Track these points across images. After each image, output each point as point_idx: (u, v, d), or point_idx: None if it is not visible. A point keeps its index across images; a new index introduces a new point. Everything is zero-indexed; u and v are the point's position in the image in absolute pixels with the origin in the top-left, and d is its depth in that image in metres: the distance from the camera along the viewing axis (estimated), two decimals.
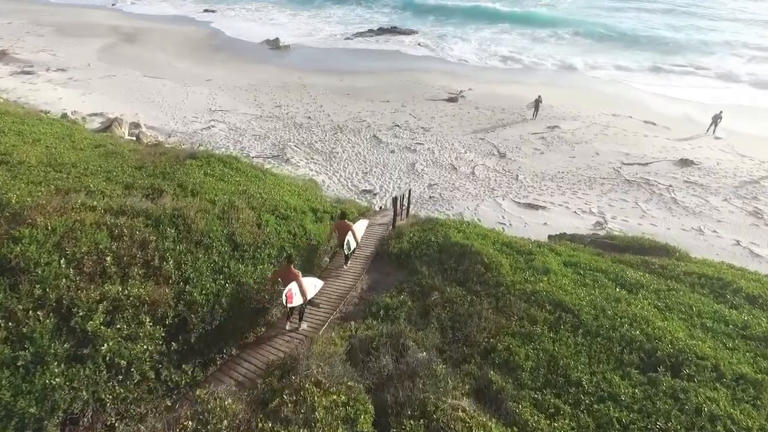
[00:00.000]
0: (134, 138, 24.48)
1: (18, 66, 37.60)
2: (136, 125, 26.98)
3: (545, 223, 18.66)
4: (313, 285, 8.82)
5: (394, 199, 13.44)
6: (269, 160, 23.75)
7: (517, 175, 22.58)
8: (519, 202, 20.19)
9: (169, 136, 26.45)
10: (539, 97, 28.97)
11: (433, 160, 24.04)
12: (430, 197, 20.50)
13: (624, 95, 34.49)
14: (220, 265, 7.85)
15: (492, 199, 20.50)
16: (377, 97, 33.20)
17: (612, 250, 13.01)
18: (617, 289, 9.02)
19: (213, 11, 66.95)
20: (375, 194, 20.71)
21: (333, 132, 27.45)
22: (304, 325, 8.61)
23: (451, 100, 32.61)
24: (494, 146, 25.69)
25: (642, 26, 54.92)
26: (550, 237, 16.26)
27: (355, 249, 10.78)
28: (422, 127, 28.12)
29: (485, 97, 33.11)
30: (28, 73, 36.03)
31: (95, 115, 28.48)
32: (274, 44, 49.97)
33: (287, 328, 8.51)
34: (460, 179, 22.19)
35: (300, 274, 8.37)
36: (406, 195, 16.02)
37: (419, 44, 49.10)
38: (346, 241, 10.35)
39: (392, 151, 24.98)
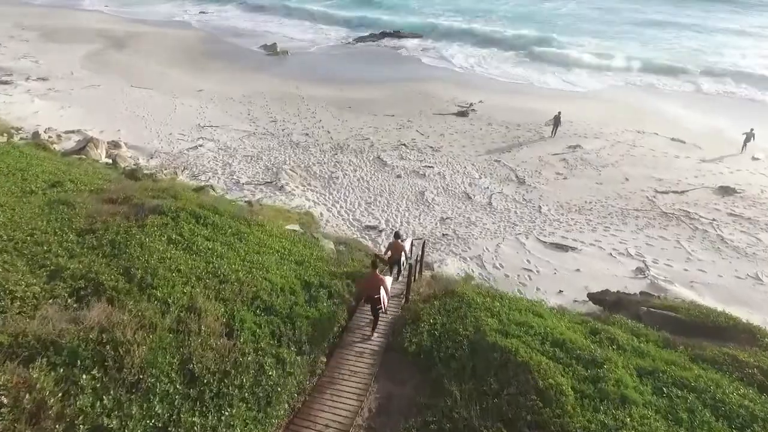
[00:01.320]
0: (111, 161, 21.94)
1: None
2: (116, 144, 24.46)
3: (578, 270, 16.13)
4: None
5: (409, 267, 10.91)
6: (261, 187, 21.20)
7: (540, 207, 20.03)
8: (545, 242, 17.64)
9: (152, 158, 23.95)
10: (559, 113, 26.40)
11: (445, 187, 21.50)
12: (443, 235, 17.96)
13: (646, 107, 31.92)
14: (165, 420, 5.32)
15: (513, 236, 17.95)
16: (381, 111, 30.66)
17: (677, 327, 10.48)
18: (723, 425, 6.53)
19: (207, 12, 64.39)
20: (380, 231, 18.17)
21: (333, 152, 24.91)
22: (375, 335, 9.35)
23: (462, 114, 30.06)
24: (511, 170, 23.14)
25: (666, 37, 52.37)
26: (590, 297, 13.73)
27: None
28: (431, 147, 25.57)
29: (498, 110, 30.56)
30: (5, 82, 33.51)
31: (71, 132, 25.94)
32: (271, 49, 47.41)
33: (372, 336, 9.25)
34: (476, 211, 19.65)
35: (385, 278, 9.30)
36: (418, 250, 13.40)
37: (422, 49, 46.48)
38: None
39: (398, 176, 22.43)
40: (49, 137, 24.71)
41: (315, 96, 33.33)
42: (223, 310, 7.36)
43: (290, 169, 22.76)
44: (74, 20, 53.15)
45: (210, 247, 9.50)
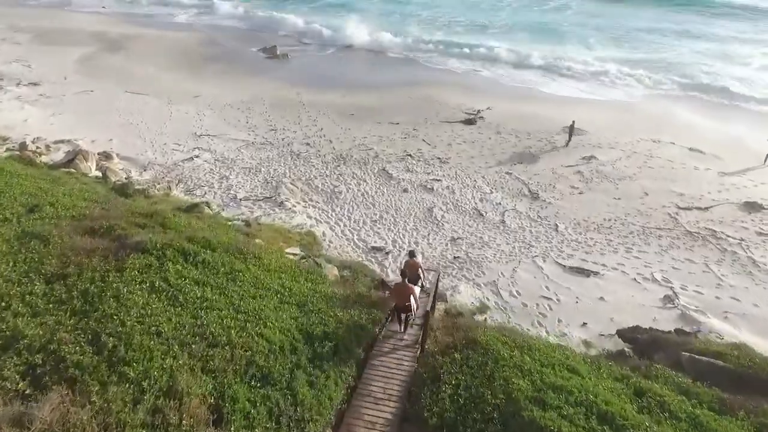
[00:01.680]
0: (101, 174, 20.73)
1: None
2: (107, 156, 23.27)
3: (601, 298, 14.93)
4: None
5: (425, 314, 9.71)
6: (260, 203, 19.99)
7: (557, 225, 18.82)
8: (564, 265, 16.44)
9: (145, 170, 22.75)
10: (573, 122, 25.16)
11: (454, 203, 20.29)
12: (454, 258, 16.76)
13: (660, 115, 30.66)
14: None
15: (530, 259, 16.75)
16: (385, 118, 29.43)
17: (726, 380, 9.27)
18: None
19: (207, 13, 63.02)
20: (387, 252, 16.98)
21: (335, 164, 23.70)
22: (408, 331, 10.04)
23: (469, 122, 28.83)
24: (524, 183, 21.93)
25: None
26: (620, 334, 12.54)
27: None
28: (438, 158, 24.36)
29: (507, 117, 29.33)
30: None
31: (61, 142, 24.75)
32: (270, 52, 46.17)
33: (404, 335, 9.90)
34: (489, 230, 18.44)
35: (414, 288, 10.04)
36: (432, 286, 12.16)
37: (426, 51, 45.19)
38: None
39: (405, 191, 21.22)
40: (37, 148, 23.56)
41: (316, 102, 32.10)
42: (210, 386, 6.17)
43: (291, 183, 21.57)
44: (70, 22, 51.84)
45: (199, 294, 8.29)
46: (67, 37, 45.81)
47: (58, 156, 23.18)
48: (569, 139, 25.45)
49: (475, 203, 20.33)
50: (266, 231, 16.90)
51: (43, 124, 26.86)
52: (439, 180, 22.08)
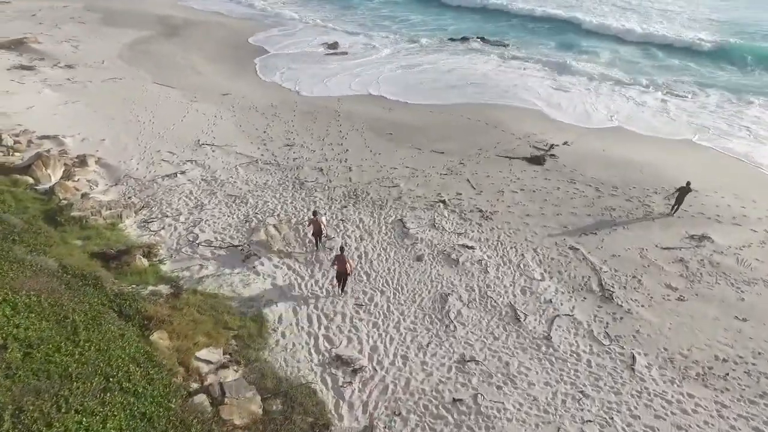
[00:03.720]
0: (49, 188, 16.99)
1: (27, 58, 32.62)
2: (82, 161, 19.74)
3: None
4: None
5: None
6: (221, 252, 15.13)
7: (634, 356, 12.02)
8: None
9: (116, 184, 18.89)
10: (688, 184, 17.62)
11: (482, 291, 14.07)
12: (454, 401, 10.69)
13: None
14: None
15: (578, 427, 10.23)
16: (428, 144, 23.53)
17: None
18: None
19: (285, 3, 59.99)
20: (356, 371, 11.29)
21: (343, 203, 18.35)
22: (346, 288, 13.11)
23: (536, 160, 22.08)
24: (594, 270, 15.10)
25: None
26: None
27: None
28: (480, 210, 18.10)
29: (587, 159, 22.18)
30: (29, 68, 30.75)
31: (46, 138, 21.78)
32: (333, 48, 41.84)
33: (340, 293, 13.27)
34: (522, 351, 12.10)
35: (348, 258, 13.10)
36: None
37: (503, 63, 38.17)
38: None
39: (419, 258, 15.34)
40: (15, 143, 20.55)
41: (354, 113, 26.92)
42: None
43: (275, 226, 16.51)
44: (142, 3, 51.08)
45: None
46: (131, 19, 44.64)
47: (32, 154, 20.04)
48: (676, 208, 17.94)
49: (514, 295, 13.96)
50: (194, 307, 11.94)
51: (46, 114, 24.22)
52: (470, 248, 15.89)
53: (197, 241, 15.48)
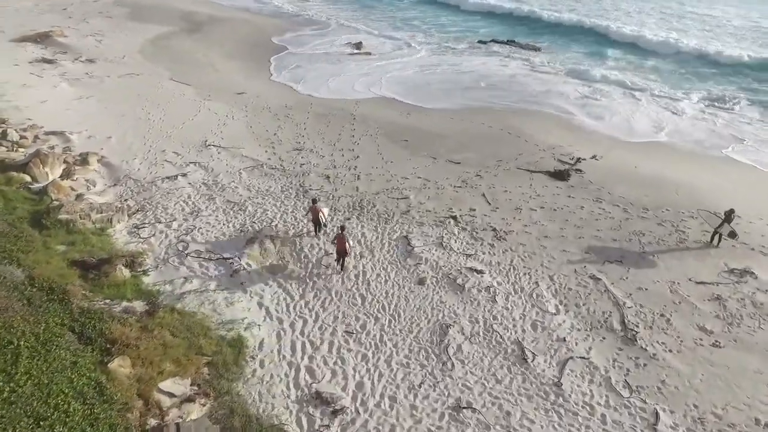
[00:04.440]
0: (43, 188, 16.42)
1: (50, 51, 32.83)
2: (83, 160, 19.21)
3: None
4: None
5: None
6: (210, 265, 14.20)
7: (658, 413, 10.44)
8: None
9: (114, 185, 18.25)
10: (731, 211, 15.76)
11: (487, 325, 12.67)
12: None
13: None
14: None
15: None
16: (444, 152, 22.17)
17: None
18: None
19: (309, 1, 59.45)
20: (336, 412, 10.10)
21: (347, 214, 17.22)
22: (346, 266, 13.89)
23: (559, 175, 20.44)
24: (616, 304, 13.49)
25: None
26: None
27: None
28: (493, 228, 16.65)
29: (618, 176, 20.40)
30: (50, 61, 30.85)
31: (53, 134, 21.44)
32: (357, 47, 40.92)
33: (339, 270, 13.87)
34: (525, 399, 10.68)
35: (347, 237, 13.76)
36: None
37: (533, 68, 36.25)
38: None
39: (421, 282, 14.05)
40: (21, 138, 20.23)
41: (371, 117, 25.77)
42: None
43: (271, 238, 15.49)
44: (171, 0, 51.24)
45: None
46: (156, 15, 44.75)
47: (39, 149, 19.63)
48: (718, 239, 16.00)
49: (523, 330, 12.52)
50: (168, 328, 10.98)
51: (58, 109, 23.99)
52: (479, 272, 14.48)
53: (186, 251, 14.60)
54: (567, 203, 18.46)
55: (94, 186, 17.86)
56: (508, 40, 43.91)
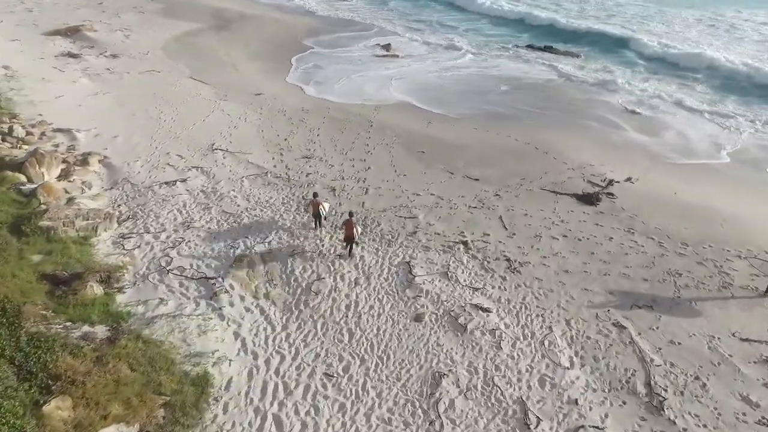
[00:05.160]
0: (33, 189, 15.78)
1: (77, 46, 32.92)
2: (84, 160, 18.62)
3: None
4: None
5: None
6: (191, 284, 13.14)
7: None
8: None
9: (112, 188, 17.51)
10: None
11: (487, 377, 11.07)
12: None
13: None
14: None
15: None
16: (463, 167, 20.56)
17: None
18: None
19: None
20: None
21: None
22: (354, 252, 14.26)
23: (587, 198, 18.51)
24: (642, 359, 11.63)
25: None
26: None
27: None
28: (508, 258, 14.97)
29: (654, 203, 18.30)
30: (75, 56, 30.84)
31: (60, 131, 20.99)
32: (385, 48, 39.65)
33: (348, 255, 14.25)
34: None
35: (355, 223, 14.12)
36: None
37: (570, 77, 33.92)
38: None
39: (418, 318, 12.57)
40: (27, 134, 19.86)
41: (389, 124, 24.38)
42: None
43: (261, 257, 14.35)
44: None
45: None
46: (188, 12, 44.58)
47: (45, 147, 19.22)
48: None
49: (528, 387, 10.85)
50: (128, 360, 9.92)
51: (71, 105, 23.70)
52: (485, 310, 12.87)
53: (169, 267, 13.59)
54: (594, 232, 16.54)
55: (90, 189, 17.17)
56: (545, 46, 41.66)
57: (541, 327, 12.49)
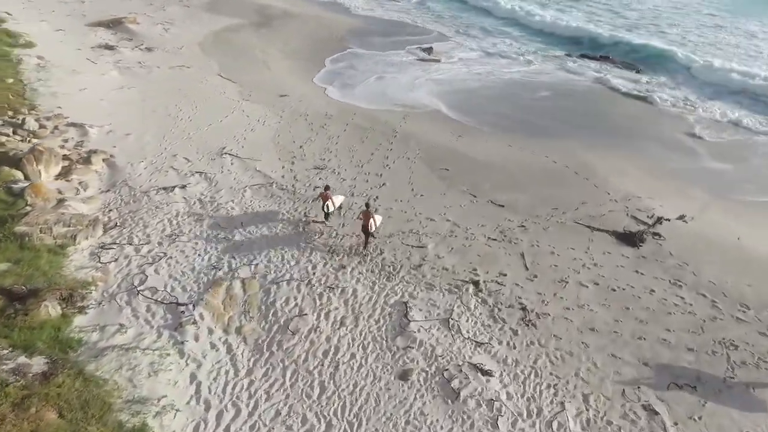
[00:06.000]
0: (21, 190, 15.10)
1: (117, 38, 33.01)
2: (87, 159, 17.97)
3: None
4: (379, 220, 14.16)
5: None
6: (160, 309, 11.90)
7: None
8: None
9: (109, 190, 16.69)
10: None
11: None
12: None
13: None
14: None
15: None
16: (488, 190, 18.43)
17: None
18: None
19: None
20: None
21: (343, 261, 14.20)
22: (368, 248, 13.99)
23: (628, 238, 15.97)
24: None
25: None
26: None
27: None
28: (523, 307, 12.83)
29: (709, 249, 15.51)
30: (111, 48, 30.84)
31: (73, 126, 20.52)
32: (426, 52, 37.73)
33: (363, 249, 13.97)
34: None
35: (373, 213, 13.81)
36: None
37: (627, 91, 30.66)
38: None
39: (404, 376, 10.74)
40: (40, 127, 19.50)
41: (415, 135, 22.53)
42: None
43: (243, 282, 12.95)
44: None
45: None
46: (231, 7, 44.22)
47: (55, 141, 18.83)
48: None
49: None
50: (57, 404, 8.70)
51: (93, 99, 23.38)
52: (487, 373, 10.85)
53: (140, 288, 12.41)
54: (632, 282, 14.06)
55: (85, 190, 16.40)
56: (601, 56, 38.26)
57: (552, 402, 10.34)
